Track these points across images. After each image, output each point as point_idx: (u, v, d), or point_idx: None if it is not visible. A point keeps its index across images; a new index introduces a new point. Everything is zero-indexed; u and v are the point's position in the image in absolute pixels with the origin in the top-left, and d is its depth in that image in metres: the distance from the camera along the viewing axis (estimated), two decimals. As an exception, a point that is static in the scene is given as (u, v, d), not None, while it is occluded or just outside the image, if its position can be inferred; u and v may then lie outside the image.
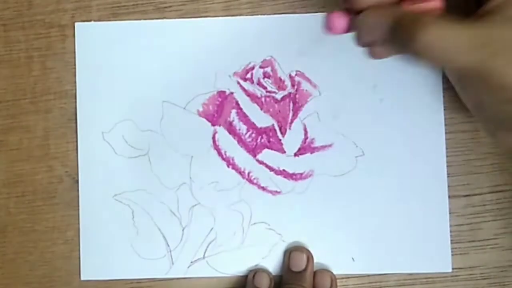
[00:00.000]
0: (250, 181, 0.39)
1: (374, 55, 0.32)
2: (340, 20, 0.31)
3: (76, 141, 0.40)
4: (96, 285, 0.40)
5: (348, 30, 0.32)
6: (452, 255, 0.38)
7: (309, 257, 0.38)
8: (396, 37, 0.29)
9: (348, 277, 0.39)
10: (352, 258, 0.39)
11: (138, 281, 0.39)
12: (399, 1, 0.31)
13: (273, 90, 0.39)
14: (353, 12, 0.31)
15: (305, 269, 0.38)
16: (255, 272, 0.39)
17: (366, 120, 0.39)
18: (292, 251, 0.38)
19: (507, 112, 0.29)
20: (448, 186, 0.39)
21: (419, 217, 0.38)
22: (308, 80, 0.39)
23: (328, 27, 0.32)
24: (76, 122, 0.40)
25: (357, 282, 0.39)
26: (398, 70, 0.39)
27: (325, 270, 0.39)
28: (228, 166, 0.39)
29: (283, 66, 0.39)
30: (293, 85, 0.39)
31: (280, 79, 0.39)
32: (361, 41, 0.31)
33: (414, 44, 0.28)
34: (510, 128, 0.30)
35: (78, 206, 0.40)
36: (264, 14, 0.40)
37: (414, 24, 0.28)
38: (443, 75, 0.39)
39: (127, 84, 0.40)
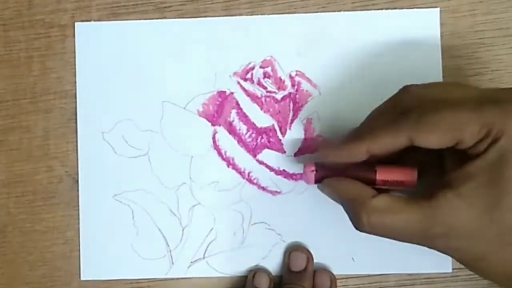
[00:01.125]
0: (250, 181, 0.39)
1: None
2: (311, 174, 0.34)
3: (76, 141, 0.40)
4: (96, 285, 0.40)
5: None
6: (452, 255, 0.38)
7: (309, 257, 0.38)
8: (347, 212, 0.32)
9: (348, 277, 0.39)
10: (352, 258, 0.39)
11: (138, 281, 0.39)
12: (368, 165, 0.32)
13: (273, 90, 0.39)
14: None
15: (305, 269, 0.38)
16: (255, 272, 0.38)
17: (366, 120, 0.39)
18: (292, 251, 0.38)
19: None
20: (448, 186, 0.39)
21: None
22: (308, 80, 0.39)
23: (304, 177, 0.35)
24: (76, 122, 0.40)
25: (357, 282, 0.39)
26: (398, 69, 0.39)
27: (325, 270, 0.39)
28: (228, 166, 0.39)
29: (283, 66, 0.39)
30: (293, 85, 0.39)
31: (280, 79, 0.39)
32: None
33: (360, 226, 0.31)
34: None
35: (78, 206, 0.40)
36: (264, 14, 0.40)
37: (359, 209, 0.31)
38: (443, 76, 0.39)
39: (127, 84, 0.40)
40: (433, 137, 0.29)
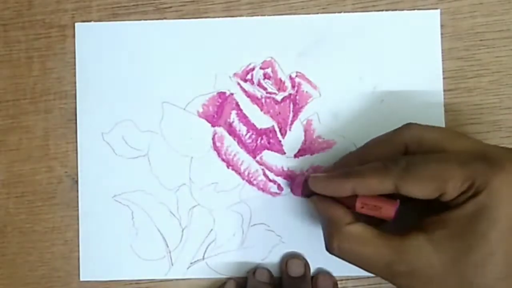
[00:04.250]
0: (250, 182, 0.39)
1: None
2: (298, 190, 0.37)
3: (76, 142, 0.40)
4: (96, 286, 0.39)
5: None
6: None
7: (306, 264, 0.38)
8: (323, 231, 0.34)
9: (348, 279, 0.39)
10: (352, 260, 0.39)
11: (138, 282, 0.39)
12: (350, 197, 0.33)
13: (273, 91, 0.39)
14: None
15: (304, 275, 0.38)
16: (255, 268, 0.38)
17: (366, 122, 0.39)
18: (289, 259, 0.38)
19: None
20: (448, 188, 0.39)
21: (419, 219, 0.38)
22: (309, 82, 0.39)
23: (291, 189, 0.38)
24: (76, 123, 0.40)
25: (357, 284, 0.39)
26: (398, 71, 0.39)
27: (327, 274, 0.39)
28: (228, 167, 0.39)
29: (283, 67, 0.39)
30: (293, 86, 0.39)
31: (280, 80, 0.39)
32: None
33: (330, 249, 0.32)
34: None
35: (78, 206, 0.40)
36: (264, 15, 0.40)
37: (333, 232, 0.32)
38: (444, 77, 0.39)
39: (127, 84, 0.40)
40: (418, 188, 0.30)
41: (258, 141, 0.39)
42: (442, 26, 0.39)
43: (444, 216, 0.30)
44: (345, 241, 0.32)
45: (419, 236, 0.30)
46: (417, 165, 0.30)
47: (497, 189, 0.29)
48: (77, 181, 0.40)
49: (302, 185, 0.36)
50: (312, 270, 0.39)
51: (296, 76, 0.39)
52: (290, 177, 0.39)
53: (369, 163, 0.32)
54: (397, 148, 0.33)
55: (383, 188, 0.31)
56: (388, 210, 0.32)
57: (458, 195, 0.30)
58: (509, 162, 0.29)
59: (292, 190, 0.38)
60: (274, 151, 0.39)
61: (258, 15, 0.40)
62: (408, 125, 0.33)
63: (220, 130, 0.39)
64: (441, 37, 0.39)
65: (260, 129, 0.39)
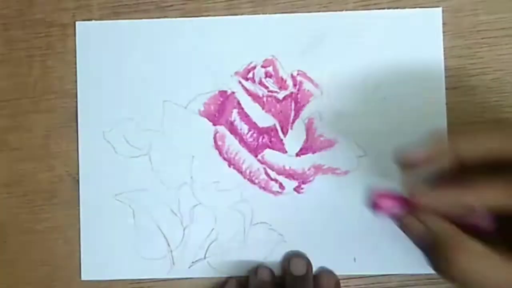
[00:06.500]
0: (252, 181, 0.39)
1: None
2: (388, 202, 0.30)
3: (77, 141, 0.40)
4: (97, 285, 0.39)
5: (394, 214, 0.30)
6: (454, 256, 0.38)
7: (308, 263, 0.38)
8: (433, 253, 0.28)
9: (350, 278, 0.39)
10: (354, 258, 0.39)
11: (139, 281, 0.39)
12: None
13: (275, 89, 0.39)
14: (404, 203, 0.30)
15: (306, 273, 0.38)
16: (257, 267, 0.38)
17: (368, 120, 0.39)
18: (292, 258, 0.38)
19: None
20: (451, 187, 0.38)
21: (421, 217, 0.38)
22: (310, 80, 0.39)
23: (374, 205, 0.31)
24: (77, 122, 0.40)
25: (359, 283, 0.39)
26: (400, 69, 0.39)
27: (330, 273, 0.39)
28: (229, 166, 0.39)
29: (284, 65, 0.39)
30: (294, 85, 0.39)
31: (282, 78, 0.39)
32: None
33: (449, 267, 0.27)
34: None
35: (79, 205, 0.39)
36: (265, 14, 0.40)
37: (455, 248, 0.27)
38: (446, 75, 0.39)
39: (128, 83, 0.40)
40: None
41: (260, 140, 0.39)
42: (444, 24, 0.39)
43: None
44: (465, 260, 0.27)
45: None
46: None
47: None
48: (78, 180, 0.40)
49: (392, 201, 0.30)
50: (314, 269, 0.39)
51: (298, 74, 0.39)
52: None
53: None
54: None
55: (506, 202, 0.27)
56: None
57: None
58: None
59: (374, 207, 0.31)
60: (276, 150, 0.39)
61: (259, 14, 0.40)
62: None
63: (222, 129, 0.39)
64: (443, 35, 0.39)
65: (262, 127, 0.39)
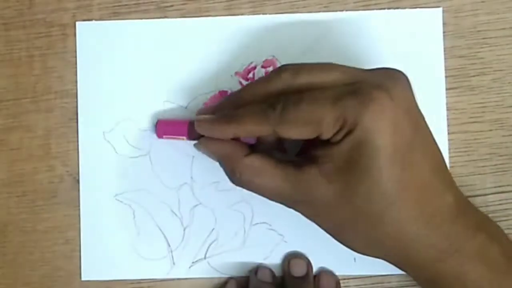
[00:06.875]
0: (252, 181, 0.39)
1: None
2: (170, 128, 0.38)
3: (77, 141, 0.40)
4: (97, 285, 0.39)
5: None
6: (455, 256, 0.38)
7: (308, 264, 0.38)
8: (223, 168, 0.34)
9: (350, 278, 0.39)
10: (354, 259, 0.39)
11: (139, 281, 0.39)
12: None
13: (275, 90, 0.39)
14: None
15: (307, 274, 0.38)
16: (257, 268, 0.38)
17: (368, 120, 0.39)
18: (292, 259, 0.38)
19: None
20: (451, 187, 0.38)
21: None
22: (310, 80, 0.39)
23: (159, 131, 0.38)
24: (77, 122, 0.40)
25: (359, 283, 0.39)
26: (400, 69, 0.39)
27: (330, 273, 0.39)
28: (229, 166, 0.39)
29: (285, 65, 0.39)
30: (295, 85, 0.39)
31: (282, 78, 0.39)
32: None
33: (234, 181, 0.33)
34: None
35: (79, 206, 0.39)
36: (266, 14, 0.40)
37: (233, 166, 0.33)
38: (446, 75, 0.39)
39: (128, 83, 0.40)
40: (294, 132, 0.30)
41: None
42: (444, 24, 0.39)
43: (329, 151, 0.30)
44: (246, 173, 0.33)
45: (312, 169, 0.31)
46: (290, 109, 0.30)
47: (369, 123, 0.29)
48: (78, 180, 0.40)
49: (188, 128, 0.36)
50: (314, 269, 0.39)
51: (298, 74, 0.39)
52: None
53: (249, 107, 0.32)
54: (273, 96, 0.32)
55: (264, 132, 0.31)
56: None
57: (334, 134, 0.30)
58: (376, 89, 0.29)
59: (169, 133, 0.38)
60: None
61: (259, 14, 0.40)
62: (280, 72, 0.32)
63: (222, 129, 0.39)
64: (443, 35, 0.39)
65: (262, 128, 0.39)
